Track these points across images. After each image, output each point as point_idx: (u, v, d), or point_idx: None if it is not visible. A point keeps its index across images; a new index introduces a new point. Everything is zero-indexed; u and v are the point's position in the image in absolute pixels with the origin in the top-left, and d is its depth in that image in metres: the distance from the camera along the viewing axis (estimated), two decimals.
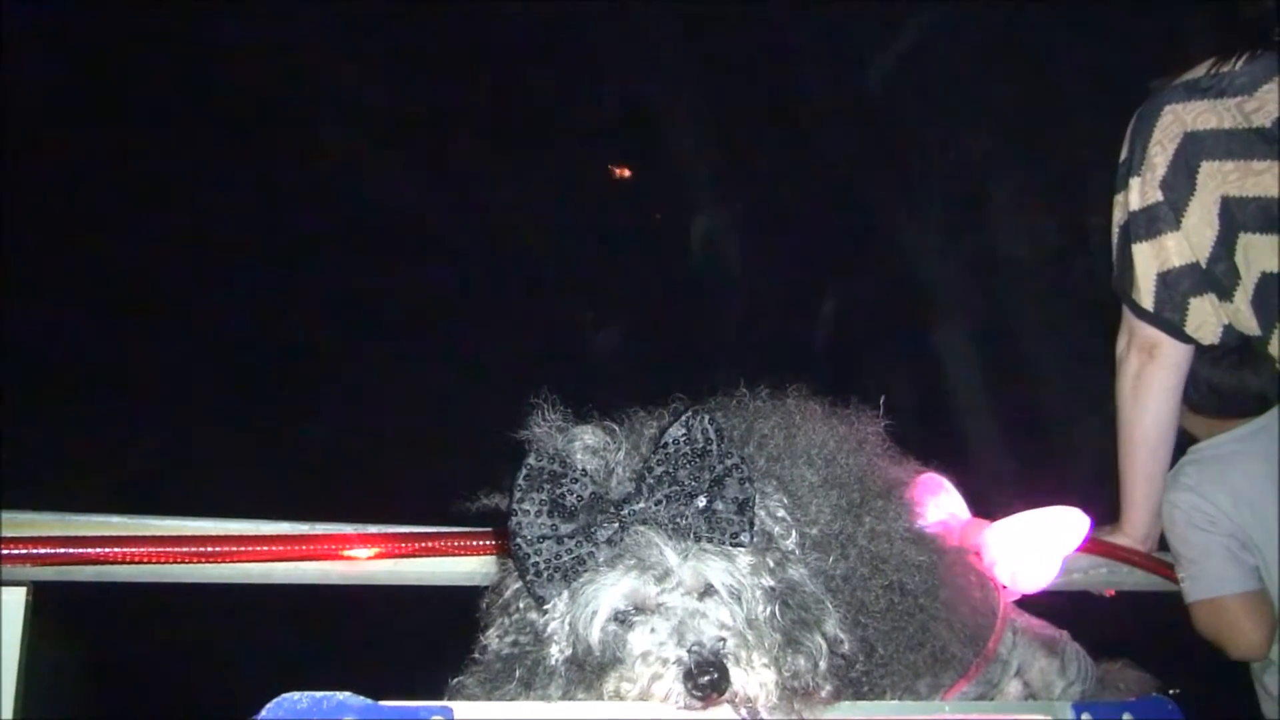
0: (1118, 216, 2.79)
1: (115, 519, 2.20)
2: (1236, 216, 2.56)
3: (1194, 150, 2.61)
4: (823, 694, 1.65)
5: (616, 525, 1.60)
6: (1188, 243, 2.64)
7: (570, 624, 1.62)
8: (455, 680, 1.71)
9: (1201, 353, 2.82)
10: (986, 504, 2.48)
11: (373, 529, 2.32)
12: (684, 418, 1.67)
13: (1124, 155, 2.77)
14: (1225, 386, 2.91)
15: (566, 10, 8.56)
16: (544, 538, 1.59)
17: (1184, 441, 2.99)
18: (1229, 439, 2.94)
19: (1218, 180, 2.57)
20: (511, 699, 1.63)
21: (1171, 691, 2.19)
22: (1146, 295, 2.71)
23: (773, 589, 1.67)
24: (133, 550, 2.05)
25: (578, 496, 1.61)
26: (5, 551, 1.94)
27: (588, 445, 1.72)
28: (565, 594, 1.62)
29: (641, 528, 1.61)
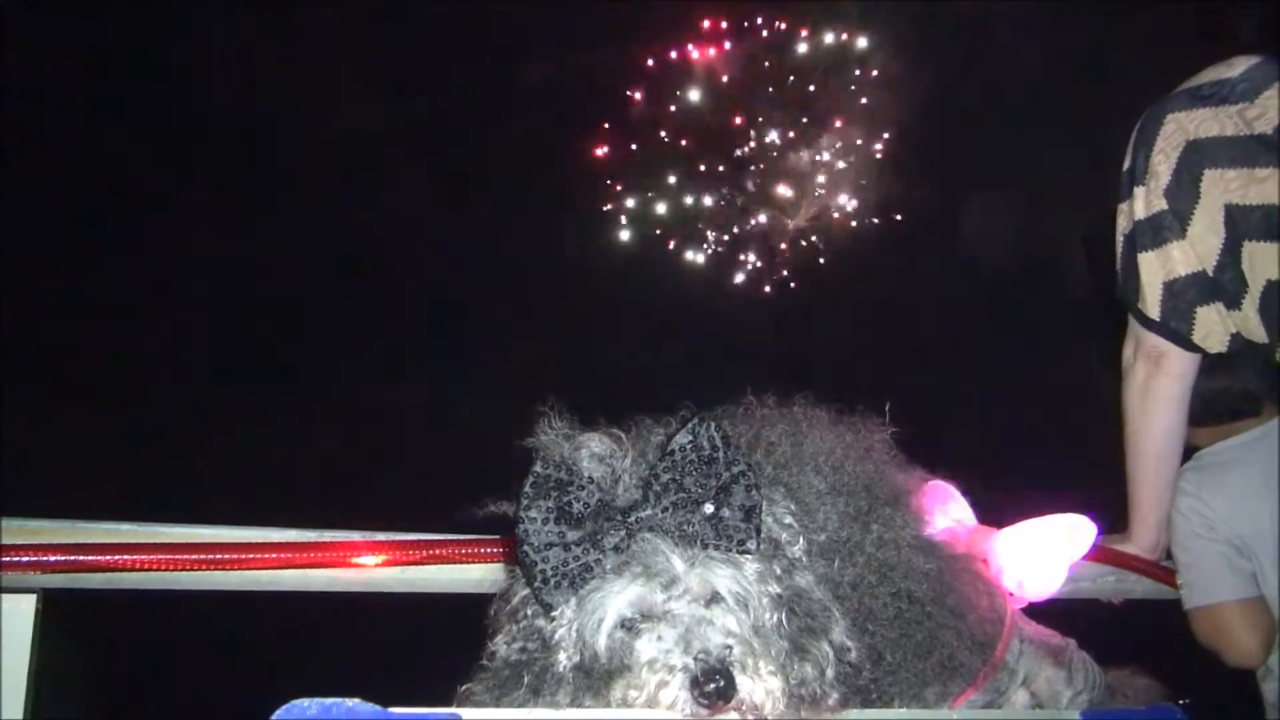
0: (1122, 225, 2.77)
1: (124, 526, 2.20)
2: (1240, 224, 2.54)
3: (1197, 158, 2.59)
4: (830, 701, 1.65)
5: (623, 532, 1.61)
6: (1193, 251, 2.62)
7: (578, 631, 1.62)
8: (464, 687, 1.72)
9: None
10: (993, 511, 2.47)
11: (380, 536, 2.33)
12: (691, 425, 1.67)
13: (1127, 164, 2.75)
14: (1210, 392, 2.90)
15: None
16: (551, 545, 1.59)
17: (1191, 451, 2.98)
18: (1230, 446, 2.94)
19: (1221, 188, 2.55)
20: (520, 705, 1.63)
21: (1181, 702, 2.18)
22: (1153, 305, 2.69)
23: (779, 596, 1.68)
24: (141, 557, 2.06)
25: (585, 504, 1.62)
26: (15, 559, 1.95)
27: (594, 453, 1.73)
28: (573, 601, 1.62)
29: (648, 535, 1.61)
